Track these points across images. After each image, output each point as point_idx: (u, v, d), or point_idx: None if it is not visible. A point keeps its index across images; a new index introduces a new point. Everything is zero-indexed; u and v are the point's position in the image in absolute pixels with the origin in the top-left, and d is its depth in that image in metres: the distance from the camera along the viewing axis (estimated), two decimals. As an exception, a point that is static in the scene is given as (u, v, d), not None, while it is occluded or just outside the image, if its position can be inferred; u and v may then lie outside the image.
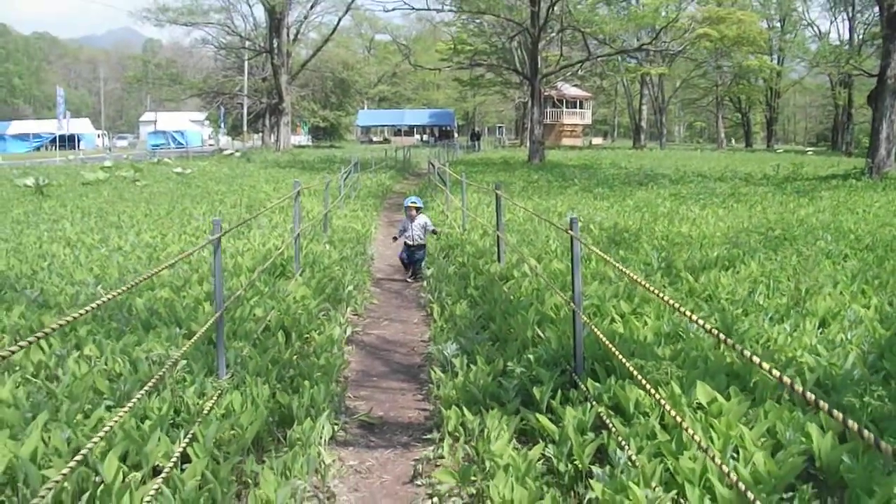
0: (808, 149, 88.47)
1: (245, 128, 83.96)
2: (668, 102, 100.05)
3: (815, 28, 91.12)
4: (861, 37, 79.30)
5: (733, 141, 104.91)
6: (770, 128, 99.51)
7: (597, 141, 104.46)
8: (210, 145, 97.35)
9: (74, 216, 20.33)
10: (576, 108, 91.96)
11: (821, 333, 7.60)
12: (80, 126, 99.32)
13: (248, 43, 77.04)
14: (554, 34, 51.61)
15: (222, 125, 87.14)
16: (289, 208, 19.96)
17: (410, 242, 14.38)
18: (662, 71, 78.47)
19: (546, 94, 65.70)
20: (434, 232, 14.93)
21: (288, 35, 69.65)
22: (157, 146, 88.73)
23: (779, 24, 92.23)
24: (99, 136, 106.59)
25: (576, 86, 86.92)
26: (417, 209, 14.71)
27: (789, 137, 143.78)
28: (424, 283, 13.15)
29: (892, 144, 29.23)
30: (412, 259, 14.41)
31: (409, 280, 14.20)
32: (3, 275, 11.30)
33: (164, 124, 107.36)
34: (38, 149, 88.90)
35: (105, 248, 13.94)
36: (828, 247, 12.53)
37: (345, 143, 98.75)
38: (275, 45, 67.90)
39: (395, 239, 15.08)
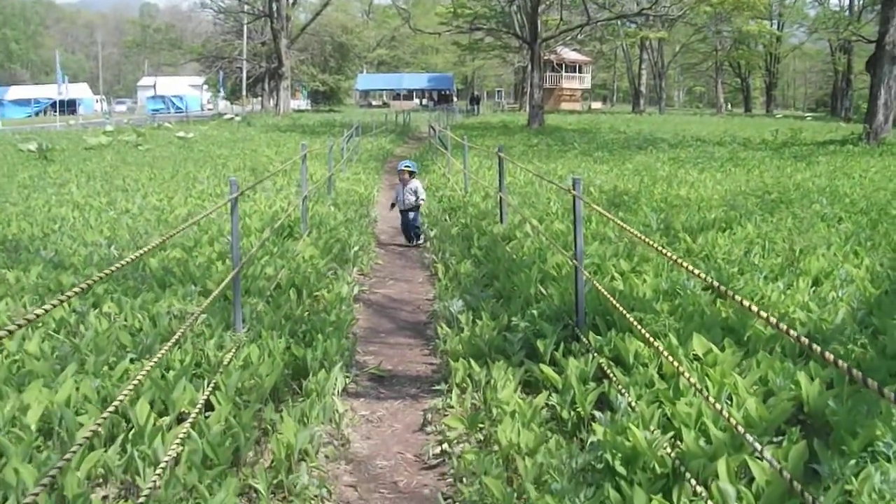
0: (807, 114, 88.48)
1: (244, 92, 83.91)
2: (668, 67, 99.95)
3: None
4: (861, 3, 79.02)
5: (730, 106, 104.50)
6: (769, 93, 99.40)
7: (596, 105, 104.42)
8: (209, 110, 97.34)
9: (80, 180, 20.56)
10: (575, 72, 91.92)
11: (813, 292, 7.86)
12: (79, 91, 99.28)
13: (246, 7, 76.75)
14: (553, -2, 51.67)
15: (221, 90, 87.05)
16: (292, 172, 20.21)
17: (402, 207, 14.39)
18: (662, 35, 78.41)
19: (545, 58, 65.64)
20: (416, 207, 14.57)
21: (287, -1, 69.58)
22: (157, 111, 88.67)
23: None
24: (98, 100, 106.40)
25: (575, 50, 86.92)
26: (411, 173, 14.65)
27: (788, 103, 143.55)
28: (427, 244, 13.40)
29: (890, 110, 29.43)
30: (406, 222, 14.46)
31: (415, 244, 14.25)
32: (16, 237, 11.56)
33: (162, 89, 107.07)
34: (37, 114, 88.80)
35: (113, 211, 14.19)
36: (823, 210, 12.76)
37: (344, 108, 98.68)
38: (274, 9, 67.70)
39: (392, 206, 15.03)
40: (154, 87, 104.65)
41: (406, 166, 14.73)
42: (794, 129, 36.34)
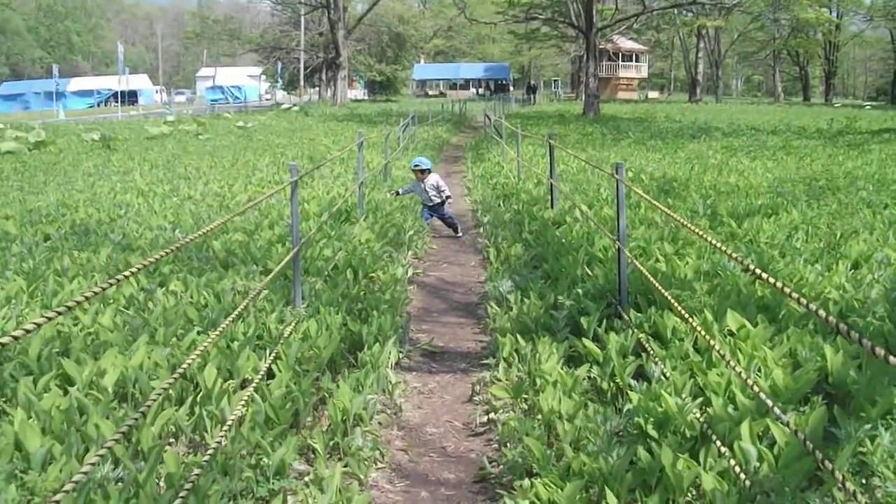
0: (867, 103, 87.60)
1: (302, 82, 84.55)
2: (725, 56, 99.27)
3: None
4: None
5: (784, 95, 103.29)
6: (829, 82, 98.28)
7: (653, 95, 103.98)
8: (267, 100, 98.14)
9: (143, 168, 21.14)
10: (631, 61, 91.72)
11: (851, 274, 8.08)
12: (139, 82, 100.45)
13: (304, -2, 77.47)
14: (609, -13, 51.65)
15: (279, 80, 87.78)
16: (348, 160, 20.61)
17: (427, 203, 14.08)
18: (718, 24, 77.88)
19: (602, 47, 65.62)
20: (443, 202, 14.10)
21: (344, -11, 70.04)
22: (216, 101, 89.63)
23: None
24: (157, 91, 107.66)
25: (632, 39, 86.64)
26: (423, 171, 14.11)
27: (848, 91, 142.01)
28: (480, 230, 13.70)
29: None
30: (440, 215, 14.13)
31: (458, 235, 13.94)
32: (85, 222, 12.04)
33: (221, 80, 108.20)
34: (98, 104, 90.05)
35: (176, 198, 14.66)
36: (869, 196, 12.91)
37: (400, 97, 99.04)
38: (331, 0, 68.24)
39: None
40: (214, 77, 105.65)
41: (415, 165, 14.31)
42: (850, 118, 36.18)
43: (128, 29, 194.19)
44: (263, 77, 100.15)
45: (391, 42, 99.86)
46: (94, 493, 4.17)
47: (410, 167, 14.55)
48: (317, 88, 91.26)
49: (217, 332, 4.87)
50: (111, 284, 3.39)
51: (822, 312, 3.27)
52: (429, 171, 14.23)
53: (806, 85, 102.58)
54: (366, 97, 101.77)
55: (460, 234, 13.98)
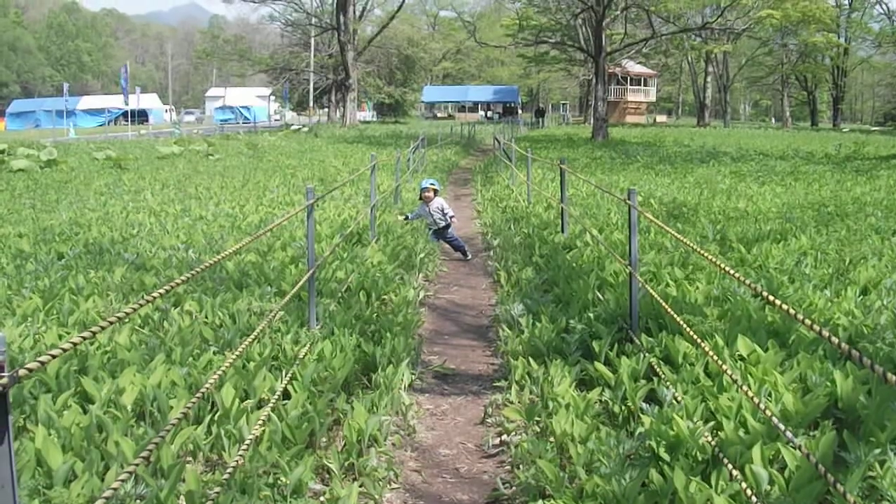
0: (875, 128, 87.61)
1: (311, 103, 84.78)
2: (733, 80, 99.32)
3: (884, 6, 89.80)
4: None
5: (791, 121, 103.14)
6: (836, 106, 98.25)
7: (661, 118, 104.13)
8: (276, 120, 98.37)
9: (154, 188, 21.24)
10: (640, 85, 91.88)
11: (860, 300, 8.13)
12: (149, 101, 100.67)
13: (314, 20, 77.75)
14: (618, 12, 51.75)
15: (287, 101, 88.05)
16: (359, 182, 20.69)
17: (433, 226, 14.12)
18: (727, 49, 78.06)
19: (610, 71, 65.80)
20: (447, 225, 14.11)
21: (354, 12, 70.25)
22: (225, 121, 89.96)
23: (847, 1, 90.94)
24: (167, 110, 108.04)
25: (640, 63, 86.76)
26: (436, 192, 14.31)
27: (856, 116, 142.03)
28: (490, 253, 13.72)
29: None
30: (445, 239, 14.09)
31: (467, 258, 13.85)
32: (98, 241, 12.12)
33: (230, 100, 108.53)
34: (108, 123, 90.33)
35: (188, 218, 14.74)
36: (878, 223, 12.95)
37: (409, 119, 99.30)
38: (341, 22, 68.44)
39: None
40: (224, 97, 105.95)
41: (431, 184, 14.42)
42: (857, 143, 36.18)
43: (138, 48, 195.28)
44: (272, 98, 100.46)
45: (400, 64, 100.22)
46: (116, 509, 4.24)
47: (422, 187, 14.35)
48: (326, 109, 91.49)
49: (236, 353, 4.95)
50: (134, 310, 3.46)
51: (832, 338, 3.34)
52: (437, 192, 14.43)
53: (814, 110, 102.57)
54: (375, 119, 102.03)
55: (469, 257, 13.94)
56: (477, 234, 16.43)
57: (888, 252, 10.47)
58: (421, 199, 14.37)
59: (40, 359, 2.63)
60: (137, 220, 14.47)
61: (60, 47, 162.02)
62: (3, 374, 2.41)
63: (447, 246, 14.23)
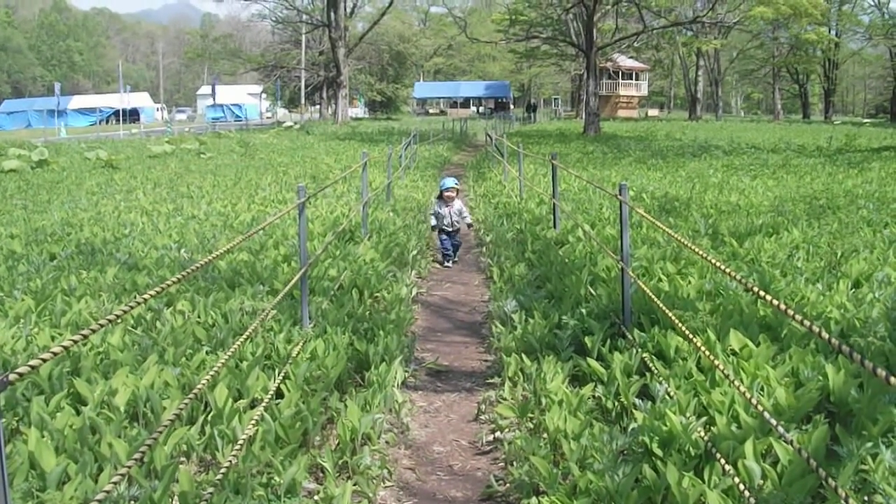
0: (866, 120, 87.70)
1: (303, 101, 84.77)
2: (725, 74, 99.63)
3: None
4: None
5: (783, 114, 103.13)
6: (828, 99, 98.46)
7: (653, 112, 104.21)
8: (268, 118, 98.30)
9: (146, 187, 21.24)
10: (631, 79, 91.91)
11: (852, 293, 8.13)
12: (140, 100, 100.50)
13: (305, 17, 77.80)
14: (609, 6, 51.89)
15: (279, 98, 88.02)
16: (351, 179, 20.67)
17: (449, 228, 13.29)
18: (717, 45, 78.07)
19: (602, 65, 65.91)
20: (469, 225, 13.87)
21: (345, 9, 70.32)
22: (216, 119, 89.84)
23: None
24: (158, 109, 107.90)
25: (632, 58, 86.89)
26: (458, 191, 13.84)
27: (848, 109, 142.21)
28: (483, 249, 13.69)
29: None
30: (453, 244, 13.39)
31: (448, 265, 13.12)
32: (90, 241, 12.10)
33: (221, 98, 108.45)
34: (100, 122, 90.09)
35: (180, 217, 14.72)
36: (869, 215, 12.96)
37: (401, 116, 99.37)
38: (332, 19, 68.50)
39: (433, 229, 13.73)
40: (213, 95, 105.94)
41: (454, 184, 13.76)
42: (849, 136, 36.22)
43: (129, 47, 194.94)
44: (264, 95, 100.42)
45: (392, 61, 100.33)
46: (110, 511, 4.24)
47: (442, 188, 13.61)
48: (317, 107, 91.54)
49: (229, 353, 4.95)
50: (126, 311, 3.45)
51: (823, 332, 3.35)
52: (459, 192, 13.90)
53: (805, 102, 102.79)
54: (366, 115, 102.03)
55: (450, 265, 13.18)
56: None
57: (880, 245, 10.48)
58: (440, 198, 13.59)
59: (31, 363, 2.63)
60: (129, 220, 14.44)
61: (51, 47, 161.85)
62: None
63: (438, 243, 13.66)
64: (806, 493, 4.23)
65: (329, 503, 4.70)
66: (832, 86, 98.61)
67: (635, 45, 70.75)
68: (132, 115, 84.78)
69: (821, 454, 4.57)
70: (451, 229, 13.32)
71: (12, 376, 2.47)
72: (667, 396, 5.66)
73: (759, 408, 4.24)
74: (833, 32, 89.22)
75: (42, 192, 21.05)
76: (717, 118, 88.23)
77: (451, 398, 7.19)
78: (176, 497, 4.54)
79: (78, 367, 6.24)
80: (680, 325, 5.86)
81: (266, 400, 5.53)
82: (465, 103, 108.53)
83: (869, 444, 4.59)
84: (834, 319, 7.02)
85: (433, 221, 13.57)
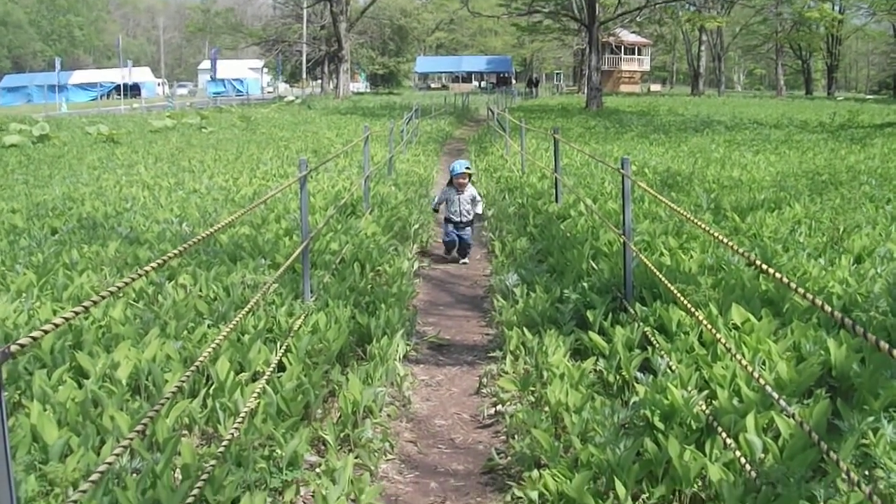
0: (869, 96, 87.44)
1: (304, 75, 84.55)
2: (728, 49, 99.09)
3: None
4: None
5: (785, 90, 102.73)
6: (831, 75, 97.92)
7: (655, 87, 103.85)
8: (269, 93, 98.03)
9: (147, 162, 21.21)
10: (634, 54, 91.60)
11: (854, 268, 8.12)
12: (141, 75, 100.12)
13: (306, -9, 77.44)
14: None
15: (280, 73, 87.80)
16: (353, 153, 20.63)
17: (457, 219, 11.69)
18: (721, 23, 77.51)
19: (604, 40, 65.63)
20: (479, 215, 12.09)
21: (347, -18, 70.00)
22: (218, 94, 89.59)
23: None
24: (159, 84, 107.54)
25: (634, 32, 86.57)
26: (470, 176, 12.06)
27: (851, 85, 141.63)
28: (485, 223, 13.65)
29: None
30: (461, 238, 11.75)
31: (458, 260, 11.77)
32: (91, 215, 12.09)
33: (223, 73, 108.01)
34: (101, 97, 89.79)
35: (182, 191, 14.70)
36: (872, 191, 12.93)
37: (403, 90, 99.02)
38: (333, -7, 68.21)
39: (435, 211, 12.72)
40: (213, 69, 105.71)
41: (467, 168, 11.97)
42: (852, 112, 36.12)
43: (129, 22, 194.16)
44: (265, 70, 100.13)
45: (393, 35, 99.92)
46: (112, 483, 4.25)
47: (452, 173, 11.97)
48: (319, 81, 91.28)
49: (230, 326, 4.95)
50: (126, 284, 3.45)
51: (826, 306, 3.34)
52: (471, 176, 12.21)
53: (808, 78, 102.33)
54: (368, 90, 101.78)
55: (461, 261, 11.77)
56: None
57: (882, 220, 10.46)
58: (451, 184, 12.02)
59: (32, 334, 2.63)
60: (131, 194, 14.42)
61: (51, 21, 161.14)
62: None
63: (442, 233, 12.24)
64: (807, 467, 4.23)
65: (331, 476, 4.70)
66: (835, 62, 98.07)
67: (638, 19, 70.38)
68: (133, 90, 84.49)
69: (822, 428, 4.57)
70: (458, 219, 11.72)
71: (13, 348, 2.47)
72: (668, 370, 5.66)
73: (761, 382, 4.24)
74: (836, 9, 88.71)
75: (43, 167, 21.03)
76: (719, 94, 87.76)
77: (452, 372, 7.20)
78: (178, 469, 4.55)
79: (80, 341, 6.23)
80: (682, 299, 5.86)
81: (268, 373, 5.53)
82: (467, 78, 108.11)
83: (870, 419, 4.59)
84: (836, 294, 7.02)
85: (436, 202, 12.43)
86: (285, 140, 27.38)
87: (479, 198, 12.03)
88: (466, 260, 11.72)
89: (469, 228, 11.76)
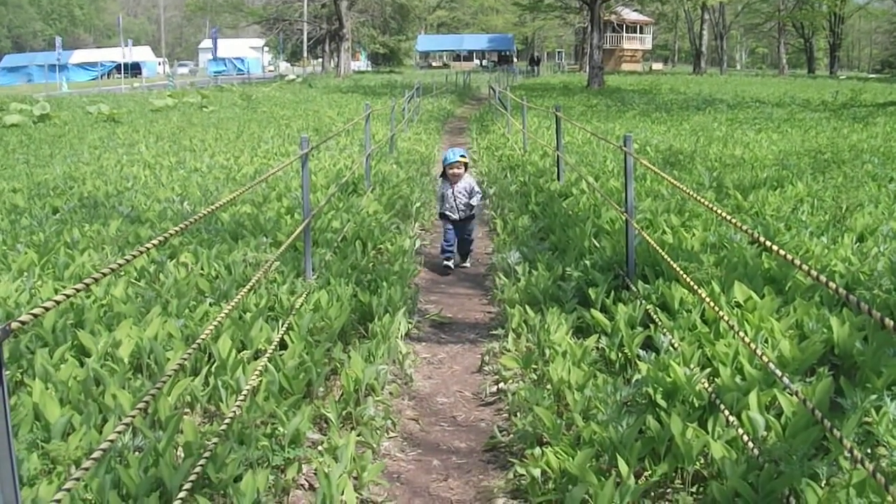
0: (872, 75, 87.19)
1: (305, 54, 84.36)
2: (730, 28, 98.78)
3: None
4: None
5: (788, 68, 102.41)
6: (833, 54, 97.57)
7: (657, 66, 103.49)
8: (270, 72, 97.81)
9: (148, 141, 21.19)
10: (636, 33, 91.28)
11: (857, 247, 8.11)
12: (142, 54, 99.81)
13: (307, -31, 77.20)
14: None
15: (281, 52, 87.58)
16: (354, 131, 20.61)
17: (454, 215, 9.98)
18: (723, 0, 77.23)
19: (606, 18, 65.44)
20: (472, 215, 10.17)
21: (347, -39, 69.78)
22: (218, 73, 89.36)
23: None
24: (160, 63, 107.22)
25: (636, 11, 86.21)
26: (466, 166, 10.26)
27: (853, 64, 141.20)
28: (486, 202, 13.50)
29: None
30: (460, 237, 10.13)
31: (451, 266, 9.99)
32: (92, 195, 12.09)
33: (223, 52, 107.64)
34: (101, 77, 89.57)
35: (183, 170, 14.70)
36: (874, 169, 12.89)
37: (404, 69, 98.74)
38: (334, -29, 68.02)
39: (441, 216, 10.26)
40: (214, 48, 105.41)
41: (461, 156, 10.07)
42: (854, 91, 35.99)
43: (130, 1, 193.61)
44: (266, 49, 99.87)
45: (394, 13, 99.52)
46: (114, 461, 4.25)
47: (445, 163, 10.09)
48: (320, 60, 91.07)
49: (232, 304, 4.94)
50: (127, 261, 3.43)
51: (830, 284, 3.33)
52: (468, 165, 10.54)
53: (811, 57, 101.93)
54: (369, 69, 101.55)
55: (463, 265, 10.30)
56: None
57: (885, 199, 10.43)
58: (443, 176, 10.24)
59: (33, 311, 2.62)
60: (132, 173, 14.42)
61: (52, 1, 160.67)
62: (-5, 327, 2.40)
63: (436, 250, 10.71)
64: (810, 445, 4.22)
65: (333, 453, 4.70)
66: (838, 40, 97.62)
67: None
68: (134, 70, 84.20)
69: (825, 406, 4.56)
70: (455, 216, 10.03)
71: (14, 325, 2.46)
72: (671, 348, 5.65)
73: (764, 359, 4.23)
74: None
75: (44, 147, 21.01)
76: (721, 72, 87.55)
77: (454, 349, 7.20)
78: (180, 447, 4.54)
79: (81, 320, 6.24)
80: (684, 276, 5.85)
81: (270, 351, 5.53)
82: (469, 56, 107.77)
83: (873, 397, 4.59)
84: (839, 273, 7.01)
85: (439, 206, 10.39)
86: (286, 119, 27.34)
87: (477, 189, 10.18)
88: (467, 263, 10.30)
89: (470, 225, 10.19)
